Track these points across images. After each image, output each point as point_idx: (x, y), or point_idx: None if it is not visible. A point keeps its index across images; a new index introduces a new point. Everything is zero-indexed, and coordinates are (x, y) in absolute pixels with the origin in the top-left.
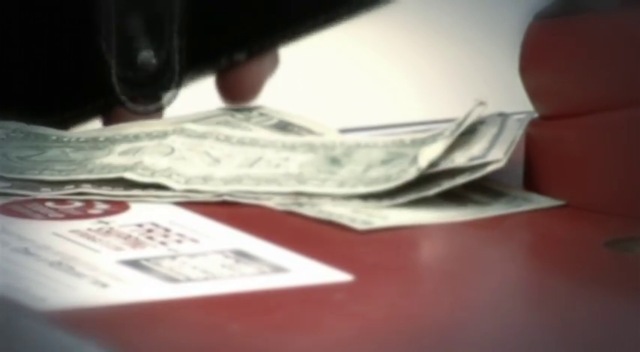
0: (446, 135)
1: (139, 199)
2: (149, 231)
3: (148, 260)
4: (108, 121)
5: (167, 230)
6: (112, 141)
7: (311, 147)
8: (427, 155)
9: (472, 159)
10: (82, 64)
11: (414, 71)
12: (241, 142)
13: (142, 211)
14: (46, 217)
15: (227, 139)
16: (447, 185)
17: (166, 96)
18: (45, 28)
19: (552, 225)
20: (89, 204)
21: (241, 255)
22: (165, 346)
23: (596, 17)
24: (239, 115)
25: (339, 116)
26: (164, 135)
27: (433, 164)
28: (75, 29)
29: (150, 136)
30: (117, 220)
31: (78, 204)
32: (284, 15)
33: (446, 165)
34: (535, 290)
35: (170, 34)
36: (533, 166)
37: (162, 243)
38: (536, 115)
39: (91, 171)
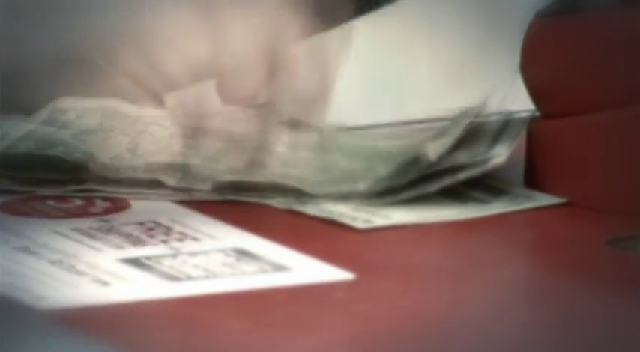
0: (452, 129)
1: (142, 197)
2: (150, 229)
3: (149, 258)
4: None
5: (168, 228)
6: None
7: (316, 145)
8: (436, 148)
9: (475, 156)
10: None
11: (415, 69)
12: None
13: (143, 209)
14: (47, 215)
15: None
16: (448, 181)
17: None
18: None
19: (553, 223)
20: (90, 202)
21: (242, 254)
22: (166, 344)
23: (597, 15)
24: (249, 112)
25: (341, 115)
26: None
27: (436, 162)
28: None
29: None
30: (118, 218)
31: (79, 203)
32: None
33: (449, 162)
34: (536, 289)
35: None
36: (534, 164)
37: (164, 242)
38: (537, 113)
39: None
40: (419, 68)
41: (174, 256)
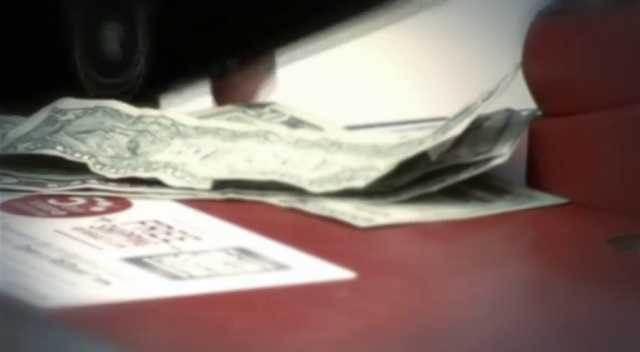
0: (454, 128)
1: (144, 196)
2: (152, 228)
3: (150, 257)
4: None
5: (170, 227)
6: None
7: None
8: (437, 147)
9: (477, 154)
10: (50, 59)
11: (415, 69)
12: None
13: (144, 208)
14: (49, 214)
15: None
16: (450, 180)
17: (130, 82)
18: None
19: (555, 222)
20: (91, 201)
21: (244, 253)
22: (168, 343)
23: (599, 15)
24: (250, 112)
25: (342, 114)
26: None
27: (438, 161)
28: (44, 25)
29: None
30: (119, 217)
31: (80, 202)
32: (276, 21)
33: (451, 161)
34: (538, 288)
35: (136, 19)
36: (535, 163)
37: (165, 241)
38: (539, 113)
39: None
40: (420, 66)
41: (175, 255)
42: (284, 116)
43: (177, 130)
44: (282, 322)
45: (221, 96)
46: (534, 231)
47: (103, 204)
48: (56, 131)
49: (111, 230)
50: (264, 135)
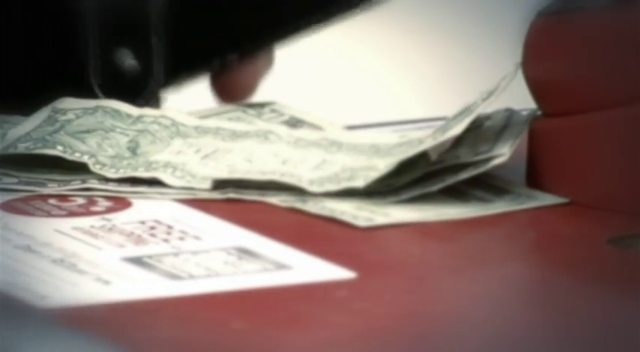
0: (454, 128)
1: (144, 196)
2: (152, 228)
3: (150, 257)
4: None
5: (170, 227)
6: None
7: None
8: (437, 147)
9: (477, 154)
10: (63, 68)
11: (415, 69)
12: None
13: (144, 208)
14: (49, 214)
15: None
16: (450, 180)
17: (148, 101)
18: (28, 31)
19: (555, 221)
20: (91, 201)
21: (244, 252)
22: (168, 343)
23: (599, 14)
24: (251, 111)
25: (342, 114)
26: (172, 130)
27: (438, 161)
28: (56, 34)
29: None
30: (119, 217)
31: (80, 201)
32: (276, 15)
33: (451, 161)
34: (538, 287)
35: (150, 39)
36: (535, 163)
37: (165, 240)
38: (539, 112)
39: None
40: (420, 66)
41: (175, 255)
42: (284, 116)
43: (177, 130)
44: (282, 322)
45: (220, 89)
46: (534, 231)
47: (103, 203)
48: (56, 131)
49: (111, 230)
50: (264, 135)
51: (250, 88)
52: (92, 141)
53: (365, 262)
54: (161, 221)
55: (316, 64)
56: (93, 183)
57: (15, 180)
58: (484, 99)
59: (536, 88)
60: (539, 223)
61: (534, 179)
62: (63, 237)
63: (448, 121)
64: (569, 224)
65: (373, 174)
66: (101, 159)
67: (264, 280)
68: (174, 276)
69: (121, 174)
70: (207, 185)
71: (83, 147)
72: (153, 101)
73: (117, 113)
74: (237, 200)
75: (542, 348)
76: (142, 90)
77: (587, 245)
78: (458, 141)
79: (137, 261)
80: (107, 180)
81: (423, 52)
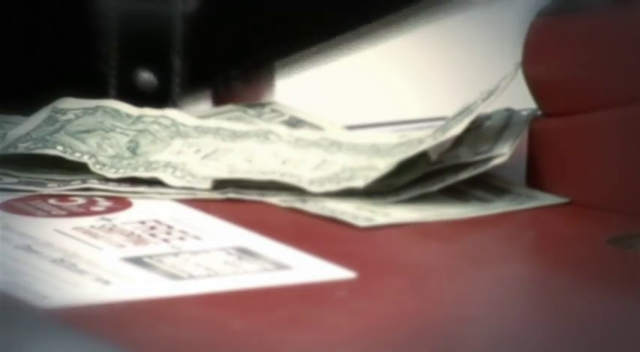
0: (453, 128)
1: (144, 196)
2: (152, 228)
3: (150, 257)
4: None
5: (170, 227)
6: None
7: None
8: (437, 147)
9: (477, 154)
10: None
11: (415, 69)
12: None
13: (144, 208)
14: (49, 214)
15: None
16: (450, 180)
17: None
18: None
19: (555, 221)
20: (92, 201)
21: (244, 252)
22: (168, 343)
23: (598, 15)
24: (251, 111)
25: (342, 114)
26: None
27: (438, 161)
28: (76, 46)
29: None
30: (119, 217)
31: (81, 201)
32: (280, 39)
33: (451, 160)
34: (538, 287)
35: (170, 56)
36: (535, 163)
37: (165, 240)
38: (539, 112)
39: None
40: (420, 66)
41: (175, 255)
42: (284, 116)
43: (177, 130)
44: (282, 322)
45: (222, 104)
46: (534, 231)
47: (103, 203)
48: (56, 131)
49: (111, 230)
50: (265, 135)
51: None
52: (92, 141)
53: (365, 262)
54: (161, 221)
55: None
56: (93, 183)
57: (15, 180)
58: (484, 99)
59: (536, 88)
60: (539, 223)
61: (534, 179)
62: (63, 237)
63: (448, 121)
64: (569, 224)
65: (373, 174)
66: (101, 159)
67: (264, 280)
68: (174, 276)
69: (121, 174)
70: (207, 185)
71: (83, 147)
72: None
73: (117, 113)
74: (237, 200)
75: (542, 348)
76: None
77: (587, 245)
78: (458, 141)
79: (137, 260)
80: (107, 180)
81: (423, 52)
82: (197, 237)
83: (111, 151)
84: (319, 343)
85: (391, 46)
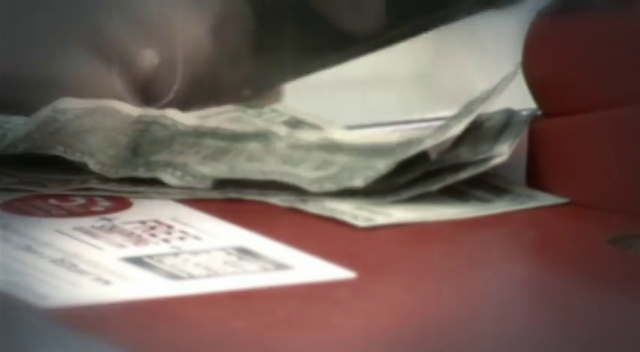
0: (453, 127)
1: (143, 196)
2: (152, 228)
3: (150, 257)
4: None
5: (170, 227)
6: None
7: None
8: (437, 147)
9: (477, 154)
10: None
11: (415, 69)
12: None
13: (144, 208)
14: (49, 214)
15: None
16: (450, 180)
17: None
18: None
19: (555, 222)
20: (92, 201)
21: (244, 252)
22: (168, 343)
23: (598, 14)
24: (251, 112)
25: (342, 114)
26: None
27: (438, 160)
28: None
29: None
30: (120, 217)
31: (81, 201)
32: (291, 53)
33: (451, 160)
34: (538, 287)
35: (175, 42)
36: (535, 163)
37: (165, 240)
38: (539, 112)
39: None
40: (419, 68)
41: (175, 255)
42: (284, 116)
43: (177, 130)
44: (282, 322)
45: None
46: (534, 231)
47: (103, 203)
48: (56, 131)
49: (111, 230)
50: (265, 135)
51: None
52: (92, 141)
53: (365, 262)
54: (161, 221)
55: None
56: (93, 183)
57: (15, 180)
58: (484, 100)
59: (536, 88)
60: (539, 223)
61: (534, 179)
62: (63, 237)
63: (448, 121)
64: (568, 224)
65: (372, 174)
66: (101, 159)
67: (264, 280)
68: (174, 276)
69: (122, 174)
70: (208, 185)
71: (83, 147)
72: (175, 104)
73: (117, 113)
74: (237, 200)
75: (541, 348)
76: (165, 93)
77: (587, 245)
78: (458, 141)
79: (137, 260)
80: (107, 180)
81: (424, 52)
82: (197, 237)
83: (111, 151)
84: (319, 343)
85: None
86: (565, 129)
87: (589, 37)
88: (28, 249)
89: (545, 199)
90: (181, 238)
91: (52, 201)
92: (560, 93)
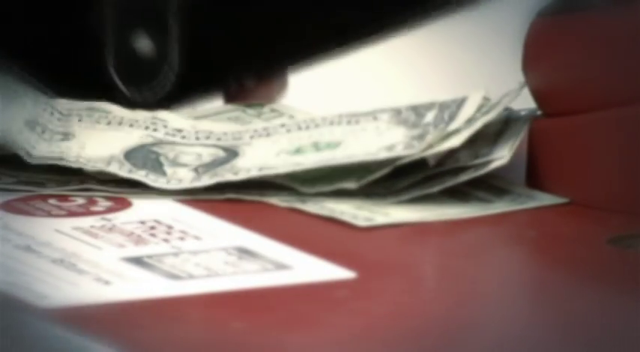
0: (457, 135)
1: (144, 195)
2: (152, 228)
3: (150, 257)
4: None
5: (170, 227)
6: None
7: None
8: (436, 153)
9: (477, 157)
10: (79, 51)
11: (415, 69)
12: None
13: (144, 208)
14: (49, 214)
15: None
16: (450, 182)
17: (163, 86)
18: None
19: (555, 222)
20: (92, 201)
21: (244, 252)
22: (168, 343)
23: (599, 14)
24: (250, 111)
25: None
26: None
27: (438, 164)
28: (71, 14)
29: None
30: (119, 217)
31: (80, 201)
32: (294, 41)
33: (451, 164)
34: (538, 288)
35: (168, 24)
36: (535, 163)
37: (165, 240)
38: (539, 113)
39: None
40: (420, 65)
41: (175, 255)
42: (284, 116)
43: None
44: (282, 322)
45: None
46: (534, 231)
47: (103, 203)
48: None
49: (111, 229)
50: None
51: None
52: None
53: (365, 262)
54: (161, 221)
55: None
56: (92, 183)
57: (14, 180)
58: (484, 114)
59: (537, 88)
60: (539, 223)
61: (534, 179)
62: (63, 236)
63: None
64: (569, 224)
65: (367, 175)
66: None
67: (264, 280)
68: (174, 276)
69: (124, 173)
70: (208, 185)
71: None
72: (167, 85)
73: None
74: (237, 200)
75: (541, 348)
76: (157, 74)
77: (587, 245)
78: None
79: (137, 261)
80: (106, 180)
81: (424, 52)
82: (197, 237)
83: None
84: (319, 343)
85: (391, 45)
86: (565, 130)
87: (589, 37)
88: (28, 248)
89: (545, 199)
90: (181, 238)
91: (52, 201)
92: (560, 93)
